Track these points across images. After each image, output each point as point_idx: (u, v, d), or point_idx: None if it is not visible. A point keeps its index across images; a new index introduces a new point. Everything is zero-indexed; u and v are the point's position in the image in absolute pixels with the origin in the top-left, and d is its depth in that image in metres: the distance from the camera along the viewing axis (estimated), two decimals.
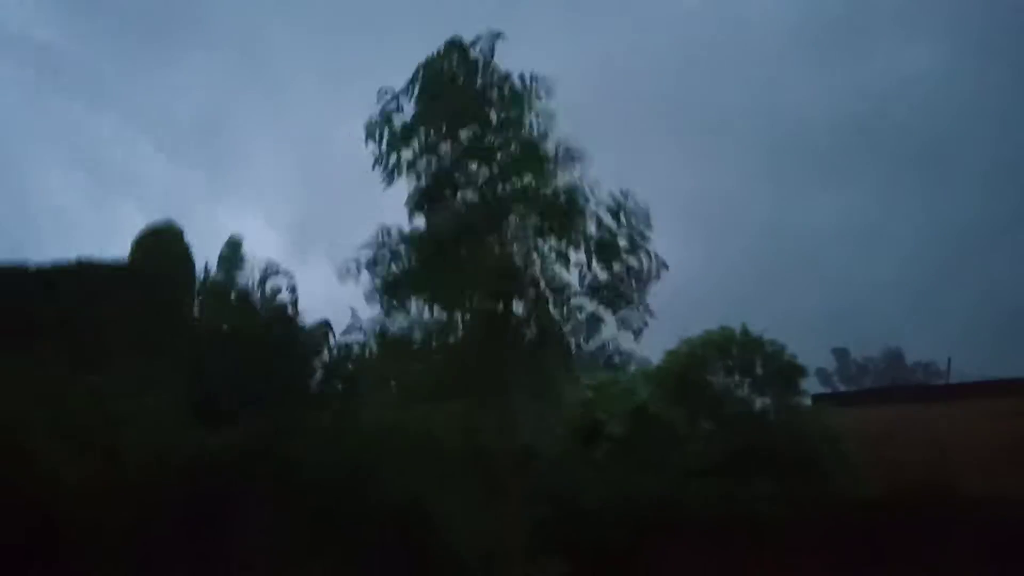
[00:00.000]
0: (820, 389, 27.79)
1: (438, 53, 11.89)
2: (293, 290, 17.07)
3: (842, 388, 37.30)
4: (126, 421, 12.92)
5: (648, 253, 12.29)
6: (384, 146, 11.96)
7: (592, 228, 12.15)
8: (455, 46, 11.93)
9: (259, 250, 17.87)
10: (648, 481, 14.47)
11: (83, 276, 14.61)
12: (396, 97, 12.08)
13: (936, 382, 29.14)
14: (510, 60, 12.22)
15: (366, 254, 12.40)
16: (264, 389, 14.36)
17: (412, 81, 11.94)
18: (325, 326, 16.37)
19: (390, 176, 12.08)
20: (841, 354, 40.96)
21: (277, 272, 17.18)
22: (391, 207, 12.21)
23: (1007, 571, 12.84)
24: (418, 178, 12.11)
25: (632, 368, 18.31)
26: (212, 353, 15.73)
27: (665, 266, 12.37)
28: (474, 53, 12.03)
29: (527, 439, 12.36)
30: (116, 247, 16.50)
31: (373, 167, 12.11)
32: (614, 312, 12.26)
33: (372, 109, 12.09)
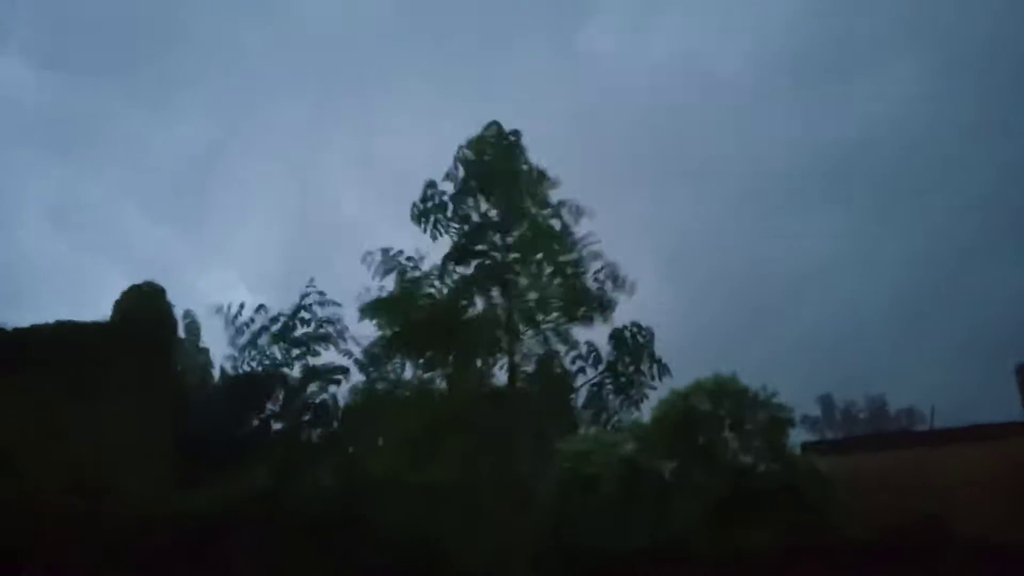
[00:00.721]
0: (807, 436, 27.96)
1: (480, 135, 13.56)
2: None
3: (829, 434, 37.49)
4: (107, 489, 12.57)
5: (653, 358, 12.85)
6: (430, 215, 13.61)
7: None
8: (494, 127, 13.55)
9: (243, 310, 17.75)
10: (638, 532, 14.30)
11: (64, 337, 14.40)
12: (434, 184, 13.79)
13: (919, 427, 29.30)
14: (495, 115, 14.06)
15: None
16: (253, 444, 14.16)
17: (458, 160, 13.64)
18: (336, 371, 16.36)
19: (433, 235, 13.74)
20: (826, 401, 41.34)
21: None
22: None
23: None
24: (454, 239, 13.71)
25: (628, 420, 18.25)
26: (198, 409, 15.54)
27: (668, 370, 13.70)
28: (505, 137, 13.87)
29: (526, 485, 12.33)
30: (100, 308, 16.30)
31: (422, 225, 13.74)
32: (621, 394, 12.75)
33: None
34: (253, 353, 16.77)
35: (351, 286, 13.54)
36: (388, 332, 13.16)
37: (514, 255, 13.29)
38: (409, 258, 13.34)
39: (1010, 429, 15.97)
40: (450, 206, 13.49)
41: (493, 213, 13.68)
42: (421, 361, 13.32)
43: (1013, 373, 18.07)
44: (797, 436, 17.94)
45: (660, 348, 14.38)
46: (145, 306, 16.40)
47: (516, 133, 13.77)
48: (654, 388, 12.98)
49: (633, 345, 13.09)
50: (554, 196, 13.94)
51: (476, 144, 13.49)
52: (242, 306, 16.97)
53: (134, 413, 14.50)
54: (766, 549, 13.28)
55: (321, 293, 16.96)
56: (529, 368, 13.21)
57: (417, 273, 13.47)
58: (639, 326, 13.27)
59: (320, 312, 16.83)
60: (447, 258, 13.52)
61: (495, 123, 13.63)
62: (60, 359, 14.13)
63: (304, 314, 16.81)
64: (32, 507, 11.07)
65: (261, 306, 17.01)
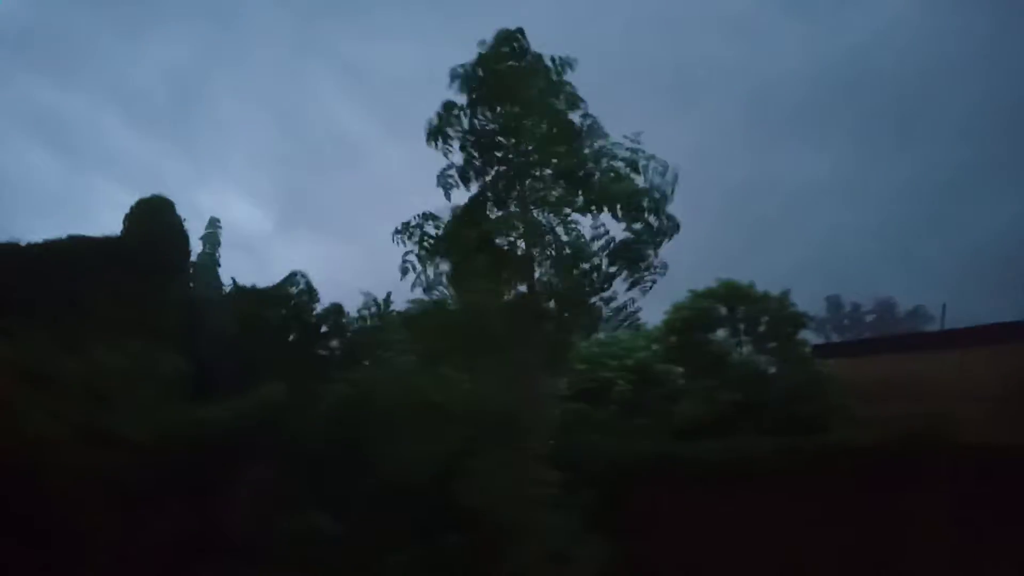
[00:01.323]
0: (814, 337, 28.06)
1: (493, 43, 12.58)
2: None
3: (835, 337, 37.67)
4: (121, 398, 12.80)
5: (665, 213, 12.35)
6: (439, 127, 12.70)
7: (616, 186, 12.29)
8: (509, 37, 12.61)
9: (244, 227, 17.57)
10: (650, 438, 14.62)
11: (76, 251, 14.35)
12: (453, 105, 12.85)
13: (929, 328, 29.41)
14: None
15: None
16: (267, 361, 14.34)
17: (471, 69, 12.59)
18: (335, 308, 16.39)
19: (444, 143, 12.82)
20: (833, 302, 41.24)
21: None
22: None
23: (1001, 517, 13.06)
24: (462, 147, 12.78)
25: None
26: (211, 326, 15.67)
27: (678, 226, 12.36)
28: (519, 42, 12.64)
29: (537, 400, 12.45)
30: (96, 226, 16.14)
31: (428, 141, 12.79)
32: (633, 273, 12.42)
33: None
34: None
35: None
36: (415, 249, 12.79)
37: (533, 157, 12.65)
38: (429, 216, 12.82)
39: (1021, 330, 15.88)
40: (464, 121, 12.81)
41: (511, 117, 12.93)
42: (441, 274, 13.05)
43: None
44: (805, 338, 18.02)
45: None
46: (155, 219, 16.27)
47: (522, 33, 12.84)
48: (663, 270, 12.48)
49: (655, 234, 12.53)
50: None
51: (487, 58, 12.67)
52: None
53: (147, 327, 14.63)
54: (767, 456, 13.53)
55: None
56: (548, 271, 12.80)
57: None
58: (672, 217, 12.59)
59: None
60: (462, 173, 12.96)
61: (506, 31, 12.77)
62: (72, 273, 14.12)
63: None
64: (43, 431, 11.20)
65: None
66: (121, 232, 16.06)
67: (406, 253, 12.67)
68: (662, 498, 13.96)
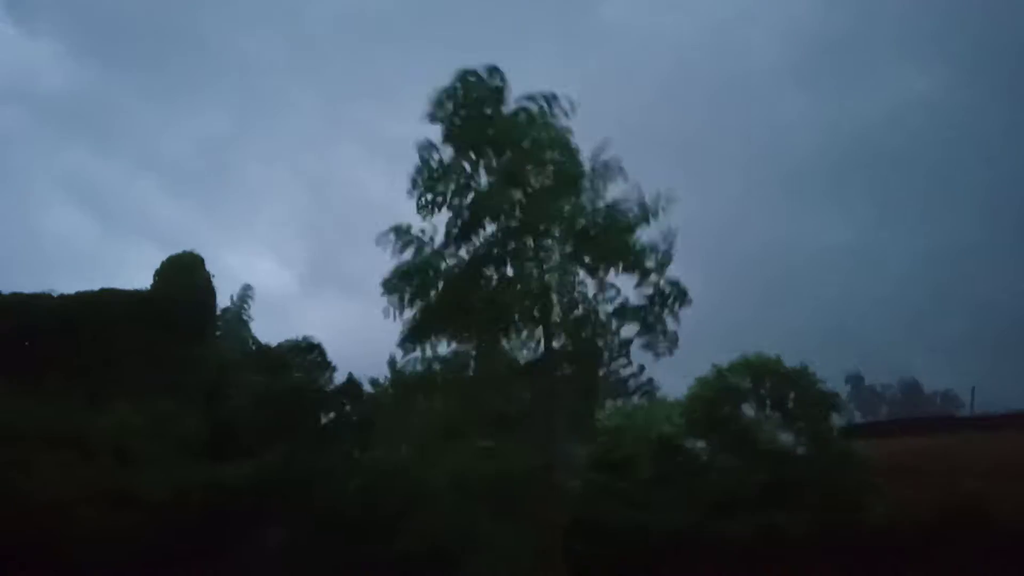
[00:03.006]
0: (836, 417, 27.41)
1: (457, 82, 11.86)
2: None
3: (858, 415, 36.85)
4: (142, 457, 12.74)
5: (672, 282, 12.19)
6: (424, 182, 12.01)
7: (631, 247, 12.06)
8: (468, 74, 11.91)
9: (271, 287, 17.69)
10: (677, 513, 14.18)
11: (107, 305, 14.52)
12: (432, 145, 12.18)
13: (956, 411, 28.76)
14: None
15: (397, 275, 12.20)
16: (282, 425, 14.22)
17: (437, 104, 11.89)
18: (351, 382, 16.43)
19: (431, 210, 12.09)
20: (855, 381, 40.48)
21: None
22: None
23: None
24: (455, 213, 12.11)
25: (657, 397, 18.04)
26: (232, 386, 15.62)
27: (685, 293, 12.17)
28: (489, 81, 12.05)
29: (557, 470, 12.10)
30: (128, 284, 16.32)
31: (419, 207, 12.13)
32: (646, 333, 12.08)
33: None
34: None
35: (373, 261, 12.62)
36: (410, 307, 12.37)
37: (527, 218, 12.12)
38: (422, 231, 12.25)
39: None
40: (451, 182, 11.87)
41: (491, 172, 11.92)
42: (446, 342, 12.70)
43: None
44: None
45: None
46: (184, 275, 16.48)
47: (498, 73, 11.97)
48: (674, 344, 12.12)
49: (665, 299, 12.12)
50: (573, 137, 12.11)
51: (456, 93, 11.66)
52: None
53: (171, 384, 14.64)
54: (801, 535, 13.08)
55: None
56: (561, 339, 12.36)
57: (429, 249, 12.39)
58: (677, 283, 12.26)
59: None
60: (449, 238, 11.99)
61: (468, 71, 11.82)
62: (101, 324, 14.25)
63: None
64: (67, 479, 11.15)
65: None
66: (150, 287, 16.26)
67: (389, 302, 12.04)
68: (690, 572, 13.48)
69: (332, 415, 16.73)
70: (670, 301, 12.05)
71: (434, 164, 12.00)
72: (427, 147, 11.99)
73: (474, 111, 11.94)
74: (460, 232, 12.01)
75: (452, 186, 11.95)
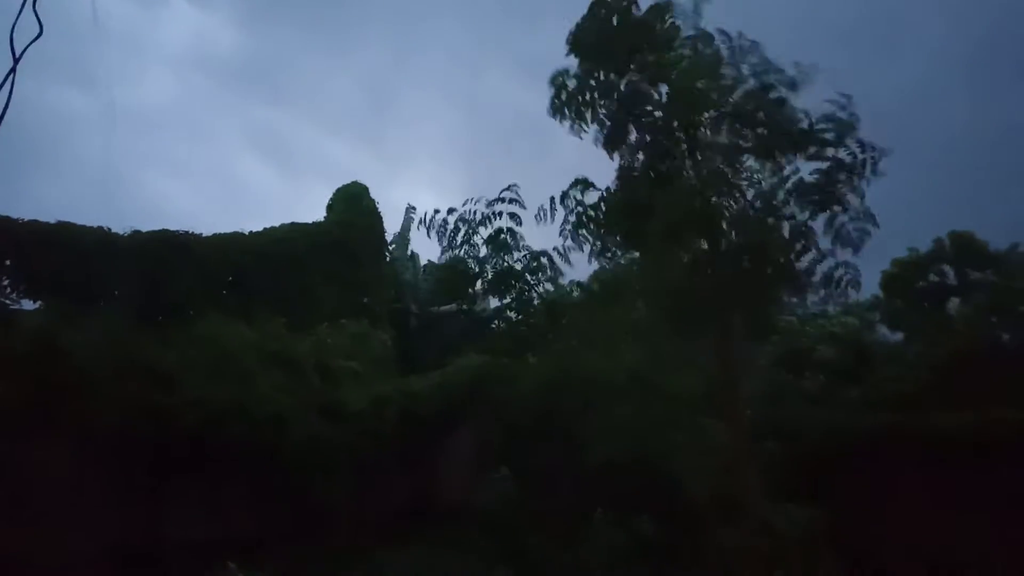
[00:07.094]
0: None
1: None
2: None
3: None
4: (341, 374, 13.70)
5: (859, 141, 10.77)
6: (565, 97, 11.79)
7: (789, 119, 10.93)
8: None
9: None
10: (867, 410, 13.53)
11: (293, 238, 15.58)
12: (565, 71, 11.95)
13: None
14: None
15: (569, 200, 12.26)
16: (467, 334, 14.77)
17: (582, 24, 11.67)
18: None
19: (580, 121, 11.87)
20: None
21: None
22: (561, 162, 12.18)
23: None
24: (601, 125, 11.81)
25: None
26: (412, 302, 16.46)
27: (881, 155, 10.73)
28: None
29: (738, 370, 11.77)
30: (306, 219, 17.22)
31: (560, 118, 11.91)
32: (828, 218, 10.94)
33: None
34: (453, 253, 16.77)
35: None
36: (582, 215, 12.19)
37: (672, 112, 11.32)
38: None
39: None
40: (593, 88, 11.51)
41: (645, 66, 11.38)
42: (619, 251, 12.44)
43: None
44: None
45: None
46: (353, 204, 17.26)
47: None
48: (867, 218, 10.80)
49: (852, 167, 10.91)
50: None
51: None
52: (436, 211, 16.85)
53: (358, 304, 15.65)
54: (972, 429, 12.03)
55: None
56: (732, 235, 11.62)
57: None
58: (864, 144, 10.71)
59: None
60: (610, 140, 11.55)
61: None
62: (291, 258, 15.35)
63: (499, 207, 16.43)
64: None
65: (451, 210, 16.70)
66: (324, 219, 17.19)
67: (564, 222, 12.23)
68: (884, 471, 12.91)
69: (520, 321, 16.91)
70: (854, 172, 10.74)
71: (570, 86, 11.78)
72: (561, 73, 11.84)
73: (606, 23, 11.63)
74: (608, 140, 11.65)
75: (590, 97, 11.67)
